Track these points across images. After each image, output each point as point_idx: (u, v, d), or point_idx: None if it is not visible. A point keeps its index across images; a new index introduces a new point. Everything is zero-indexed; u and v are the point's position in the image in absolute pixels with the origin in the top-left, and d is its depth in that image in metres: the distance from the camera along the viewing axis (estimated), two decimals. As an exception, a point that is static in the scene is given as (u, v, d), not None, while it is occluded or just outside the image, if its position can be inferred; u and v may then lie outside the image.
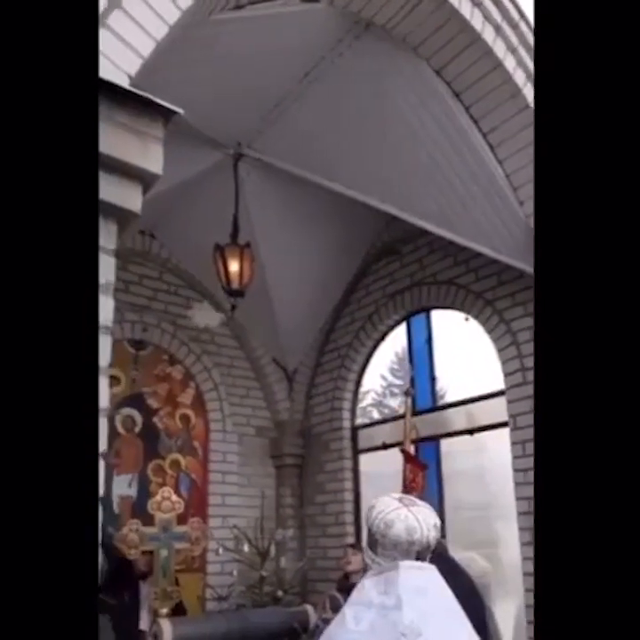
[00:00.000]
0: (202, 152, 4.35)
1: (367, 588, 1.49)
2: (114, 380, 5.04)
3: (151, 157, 1.48)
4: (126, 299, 5.18)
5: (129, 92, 1.47)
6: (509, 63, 3.07)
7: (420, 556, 1.52)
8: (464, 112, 3.34)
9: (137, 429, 5.04)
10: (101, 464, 1.32)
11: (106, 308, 1.41)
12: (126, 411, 5.03)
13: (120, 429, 4.97)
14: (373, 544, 1.55)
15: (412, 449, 4.10)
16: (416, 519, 1.51)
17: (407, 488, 3.77)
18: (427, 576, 1.50)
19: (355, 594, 1.51)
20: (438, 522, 1.56)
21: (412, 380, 4.81)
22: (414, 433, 4.18)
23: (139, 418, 5.07)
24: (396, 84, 3.48)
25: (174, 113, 1.52)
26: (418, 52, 3.26)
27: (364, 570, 1.64)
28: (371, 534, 1.56)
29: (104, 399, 1.34)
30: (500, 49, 3.04)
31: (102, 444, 1.33)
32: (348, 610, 1.48)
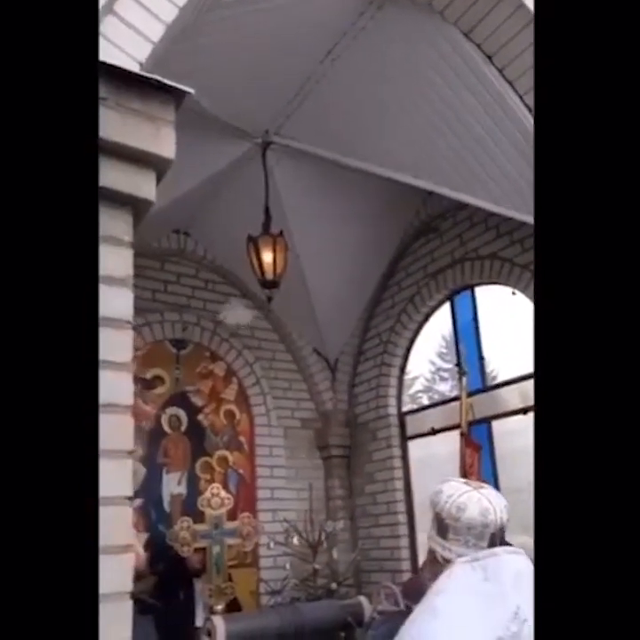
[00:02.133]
0: (229, 143, 4.28)
1: (461, 575, 1.38)
2: (158, 381, 5.06)
3: (163, 142, 1.39)
4: (165, 298, 5.19)
5: (137, 75, 1.38)
6: (544, 17, 2.86)
7: (493, 539, 1.45)
8: (498, 75, 3.15)
9: (183, 428, 5.05)
10: (128, 463, 1.25)
11: (126, 302, 1.33)
12: (172, 410, 5.04)
13: (167, 429, 4.98)
14: (444, 530, 1.48)
15: (465, 431, 3.94)
16: (488, 501, 1.45)
17: (466, 473, 3.62)
18: (522, 560, 1.42)
19: (444, 582, 1.39)
20: (507, 504, 1.50)
21: (460, 360, 4.65)
22: (470, 414, 4.01)
23: (184, 416, 5.07)
24: (424, 53, 3.31)
25: (185, 94, 1.43)
26: (444, 16, 3.08)
27: (433, 558, 1.54)
28: (440, 519, 1.49)
29: (128, 396, 1.27)
30: (531, 2, 2.84)
31: (128, 444, 1.25)
32: (439, 599, 1.36)
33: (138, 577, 2.30)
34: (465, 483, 1.53)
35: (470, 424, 4.18)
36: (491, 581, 1.34)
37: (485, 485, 1.53)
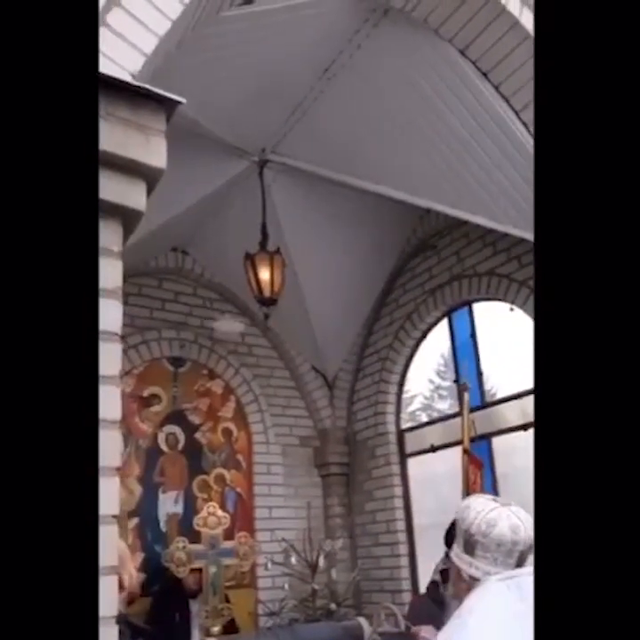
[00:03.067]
0: (226, 162, 4.29)
1: (495, 594, 1.35)
2: (155, 399, 5.03)
3: (154, 152, 1.38)
4: (163, 316, 5.17)
5: (126, 84, 1.37)
6: (538, 34, 2.89)
7: (521, 557, 1.43)
8: (493, 91, 3.16)
9: (180, 446, 5.00)
10: (115, 480, 1.21)
11: (115, 314, 1.31)
12: (169, 428, 5.00)
13: (164, 447, 4.93)
14: (471, 546, 1.45)
15: (467, 447, 3.88)
16: (518, 517, 1.43)
17: (469, 490, 3.55)
18: None
19: (476, 600, 1.36)
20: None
21: (458, 375, 4.61)
22: (473, 431, 3.95)
23: (181, 435, 5.03)
24: (420, 71, 3.33)
25: (177, 103, 1.42)
26: (440, 34, 3.10)
27: (458, 576, 1.50)
28: (469, 535, 1.46)
29: (116, 411, 1.24)
30: (527, 19, 2.86)
31: (115, 460, 1.22)
32: (473, 619, 1.31)
33: (131, 600, 2.24)
34: (493, 499, 1.51)
35: (472, 440, 4.13)
36: (527, 601, 1.26)
37: (512, 503, 1.50)
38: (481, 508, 1.46)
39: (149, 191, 1.41)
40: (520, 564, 1.43)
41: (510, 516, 1.43)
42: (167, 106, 1.44)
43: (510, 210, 3.65)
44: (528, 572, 1.37)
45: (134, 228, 1.41)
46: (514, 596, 1.32)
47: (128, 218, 1.38)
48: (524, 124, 3.28)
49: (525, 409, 4.14)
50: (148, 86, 1.40)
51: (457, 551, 1.51)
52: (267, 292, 3.97)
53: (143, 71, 1.79)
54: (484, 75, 3.22)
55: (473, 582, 1.44)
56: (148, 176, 1.39)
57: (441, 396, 5.57)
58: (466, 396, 3.97)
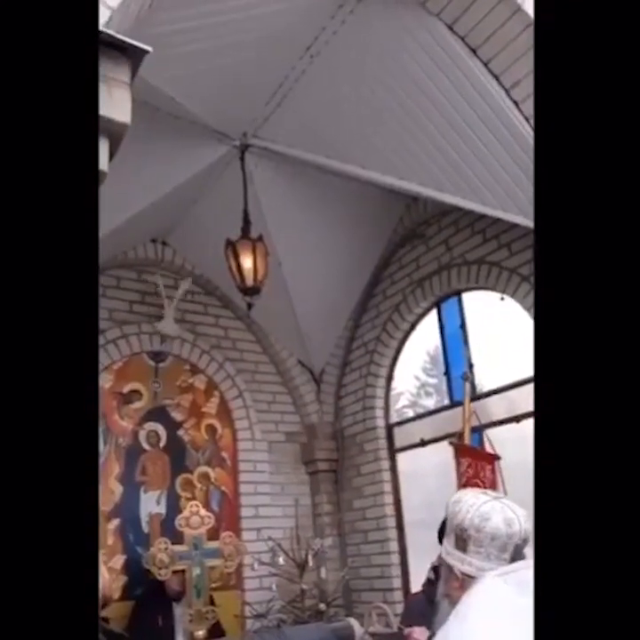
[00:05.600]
0: (206, 147, 4.12)
1: (492, 590, 1.29)
2: (135, 395, 4.85)
3: (117, 105, 1.23)
4: (142, 310, 4.99)
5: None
6: (529, 6, 2.77)
7: (516, 551, 1.38)
8: (483, 68, 3.05)
9: (162, 444, 4.83)
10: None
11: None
12: (150, 425, 4.82)
13: (145, 445, 4.76)
14: (464, 542, 1.39)
15: (468, 439, 3.73)
16: (511, 510, 1.39)
17: (467, 485, 3.39)
18: None
19: (476, 594, 1.29)
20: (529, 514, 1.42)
21: (447, 367, 4.49)
22: (474, 421, 3.81)
23: (163, 432, 4.86)
24: (407, 48, 3.20)
25: (144, 53, 1.28)
26: (427, 8, 2.98)
27: (450, 574, 1.44)
28: (461, 530, 1.40)
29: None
30: (518, -8, 2.74)
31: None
32: (474, 613, 1.25)
33: (105, 603, 2.09)
34: (483, 492, 1.46)
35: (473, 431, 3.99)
36: (526, 596, 1.22)
37: (503, 495, 1.47)
38: (473, 502, 1.41)
39: (113, 150, 1.26)
40: (515, 558, 1.37)
41: (504, 508, 1.39)
42: (132, 56, 1.29)
43: (501, 194, 3.53)
44: (526, 565, 1.32)
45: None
46: (513, 591, 1.26)
47: (89, 178, 1.23)
48: (515, 103, 3.17)
49: (517, 400, 4.03)
50: (110, 32, 1.25)
51: (448, 548, 1.45)
52: (249, 281, 3.82)
53: (110, 27, 1.63)
54: (473, 51, 3.10)
55: (466, 580, 1.39)
56: (111, 132, 1.24)
57: (427, 393, 5.47)
58: (467, 386, 3.85)
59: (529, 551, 1.49)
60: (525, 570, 1.31)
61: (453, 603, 1.37)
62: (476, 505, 1.40)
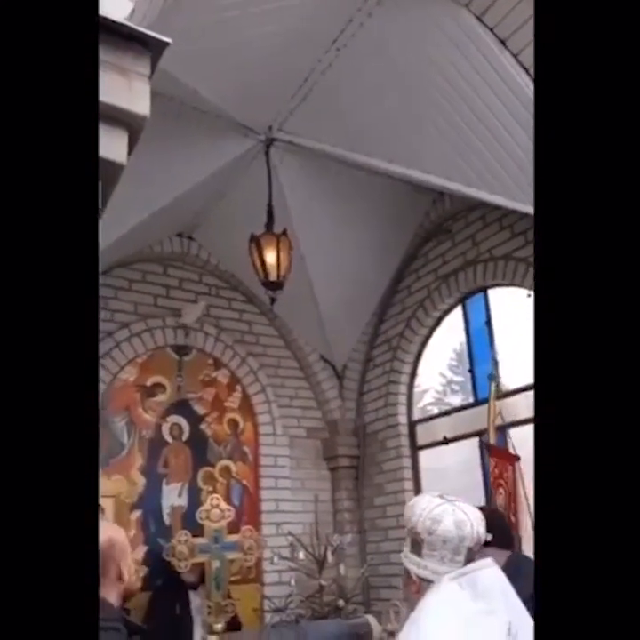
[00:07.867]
0: (231, 141, 4.12)
1: (447, 592, 1.33)
2: (159, 388, 4.89)
3: (136, 97, 1.22)
4: (167, 304, 5.02)
5: (105, 20, 1.21)
6: (561, -4, 2.69)
7: (470, 554, 1.40)
8: (513, 60, 2.98)
9: (184, 437, 4.86)
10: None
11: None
12: (173, 418, 4.86)
13: (167, 438, 4.80)
14: (418, 546, 1.43)
15: (493, 439, 3.68)
16: (464, 513, 1.41)
17: (494, 486, 3.35)
18: (501, 574, 1.40)
19: (431, 600, 1.34)
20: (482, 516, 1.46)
21: (472, 364, 4.42)
22: (500, 420, 3.76)
23: (185, 425, 4.89)
24: (434, 39, 3.14)
25: (164, 45, 1.26)
26: (455, -2, 2.92)
27: (408, 578, 1.48)
28: (414, 534, 1.43)
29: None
30: (549, -20, 2.67)
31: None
32: (429, 619, 1.30)
33: (128, 595, 2.11)
34: (439, 496, 1.48)
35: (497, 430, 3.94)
36: (482, 599, 1.30)
37: (461, 499, 1.48)
38: (425, 506, 1.44)
39: (132, 143, 1.25)
40: (469, 560, 1.40)
41: (455, 511, 1.42)
42: (152, 48, 1.28)
43: (529, 189, 3.46)
44: (480, 566, 1.37)
45: (116, 183, 1.25)
46: (467, 594, 1.31)
47: (108, 172, 1.22)
48: (546, 96, 3.09)
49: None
50: (129, 24, 1.23)
51: (405, 552, 1.49)
52: (273, 276, 3.81)
53: (132, 21, 1.62)
54: (503, 43, 3.03)
55: (423, 584, 1.42)
56: (131, 124, 1.23)
57: (453, 391, 5.40)
58: (493, 385, 3.79)
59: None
60: (479, 571, 1.36)
61: (411, 607, 1.41)
62: (428, 508, 1.43)
